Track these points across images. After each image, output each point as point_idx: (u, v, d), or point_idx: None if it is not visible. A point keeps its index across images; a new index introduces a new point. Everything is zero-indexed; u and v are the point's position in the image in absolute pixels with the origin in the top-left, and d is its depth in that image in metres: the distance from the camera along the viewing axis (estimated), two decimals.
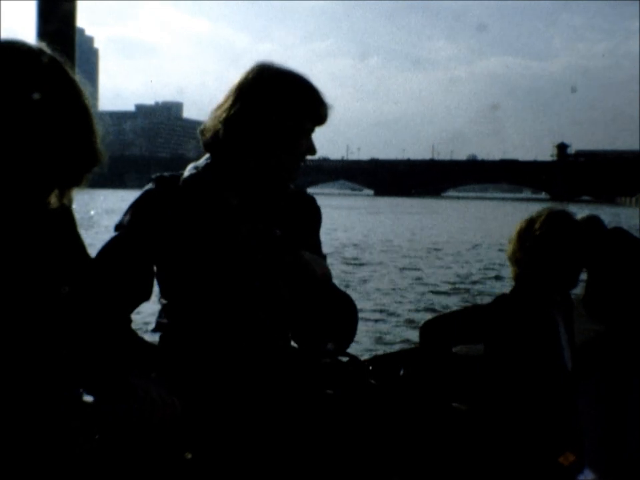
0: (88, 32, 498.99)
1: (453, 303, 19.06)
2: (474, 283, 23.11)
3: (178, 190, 2.42)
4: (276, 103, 2.41)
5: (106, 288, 2.26)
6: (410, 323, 15.87)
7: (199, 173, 2.46)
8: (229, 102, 2.43)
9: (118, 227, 2.41)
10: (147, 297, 2.43)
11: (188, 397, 2.27)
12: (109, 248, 2.37)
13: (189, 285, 2.37)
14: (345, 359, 2.63)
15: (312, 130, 2.49)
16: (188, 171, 2.48)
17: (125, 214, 2.42)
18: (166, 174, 2.50)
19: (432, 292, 21.08)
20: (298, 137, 2.45)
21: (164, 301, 2.45)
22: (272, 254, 2.38)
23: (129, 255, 2.37)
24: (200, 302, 2.36)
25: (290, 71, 2.47)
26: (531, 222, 3.23)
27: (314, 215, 2.65)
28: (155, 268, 2.44)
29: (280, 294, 2.39)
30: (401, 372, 2.67)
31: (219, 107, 2.45)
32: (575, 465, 2.86)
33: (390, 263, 28.46)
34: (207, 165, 2.48)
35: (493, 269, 26.53)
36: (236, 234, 2.39)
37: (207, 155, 2.51)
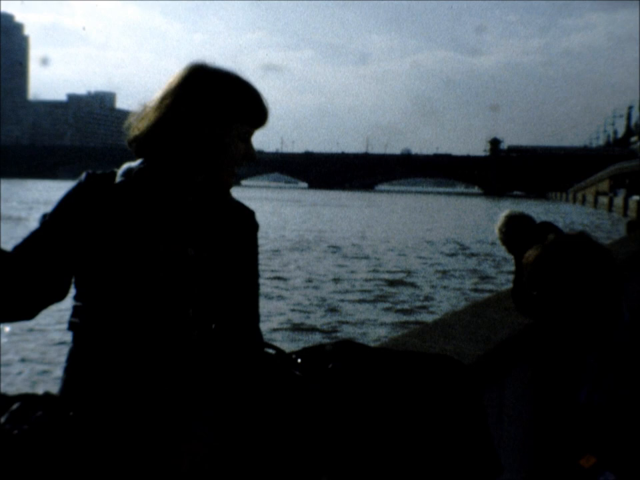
0: (18, 18, 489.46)
1: (380, 293, 19.31)
2: (401, 273, 23.36)
3: (108, 192, 2.33)
4: (215, 107, 2.34)
5: (18, 281, 2.22)
6: (340, 315, 15.98)
7: (127, 182, 2.36)
8: (164, 104, 2.34)
9: (42, 220, 2.34)
10: (61, 296, 2.34)
11: (104, 401, 2.25)
12: (28, 241, 2.30)
13: (104, 292, 2.29)
14: (271, 352, 2.63)
15: (251, 134, 2.41)
16: (120, 175, 2.38)
17: (53, 208, 2.34)
18: (99, 172, 2.40)
19: (364, 281, 21.25)
20: (237, 143, 2.37)
21: (77, 303, 2.35)
22: (182, 273, 2.34)
23: (47, 250, 2.28)
24: (114, 309, 2.28)
25: (225, 72, 2.38)
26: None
27: (250, 232, 2.56)
28: (73, 269, 2.35)
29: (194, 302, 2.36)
30: (330, 365, 2.67)
31: (151, 108, 2.36)
32: (595, 467, 2.84)
33: (322, 255, 28.55)
34: (139, 171, 2.38)
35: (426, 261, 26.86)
36: (153, 252, 2.31)
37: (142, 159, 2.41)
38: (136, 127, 2.39)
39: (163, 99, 2.35)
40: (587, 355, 2.94)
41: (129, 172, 2.39)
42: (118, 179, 2.37)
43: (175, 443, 2.20)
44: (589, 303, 2.99)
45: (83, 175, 2.38)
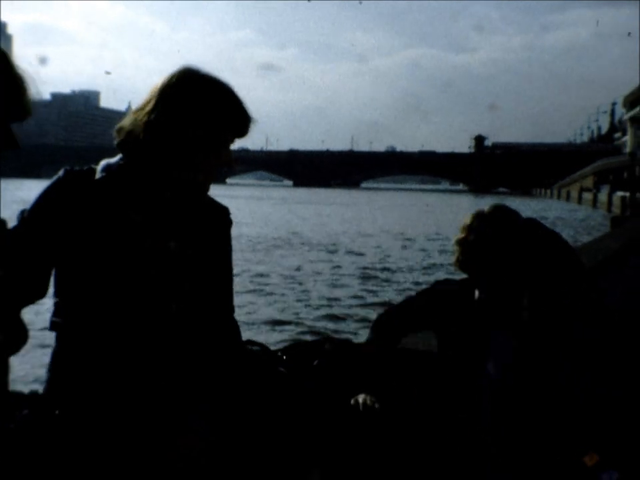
0: (2, 17, 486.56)
1: (362, 289, 19.35)
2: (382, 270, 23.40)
3: (88, 188, 2.34)
4: (201, 112, 2.36)
5: None
6: (325, 311, 16.00)
7: (108, 177, 2.38)
8: (151, 105, 2.35)
9: (21, 217, 2.33)
10: (42, 294, 2.34)
11: (88, 400, 2.25)
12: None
13: (87, 290, 2.29)
14: (256, 348, 2.65)
15: (232, 142, 2.46)
16: (99, 171, 2.39)
17: (31, 205, 2.34)
18: (77, 168, 2.41)
19: (348, 278, 21.27)
20: (219, 149, 2.41)
21: (58, 301, 2.36)
22: (167, 268, 2.35)
23: (26, 247, 2.28)
24: (98, 307, 2.29)
25: (216, 80, 2.41)
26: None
27: (225, 228, 2.60)
28: (53, 266, 2.35)
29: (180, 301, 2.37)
30: (315, 362, 2.69)
31: (140, 108, 2.37)
32: (598, 465, 2.83)
33: (306, 252, 28.55)
34: (118, 167, 2.40)
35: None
36: (139, 248, 2.32)
37: (121, 155, 2.42)
38: (126, 127, 2.40)
39: (154, 98, 2.37)
40: (558, 353, 2.94)
41: (108, 167, 2.41)
42: (98, 174, 2.38)
43: (172, 437, 2.22)
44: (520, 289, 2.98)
45: (61, 172, 2.39)
